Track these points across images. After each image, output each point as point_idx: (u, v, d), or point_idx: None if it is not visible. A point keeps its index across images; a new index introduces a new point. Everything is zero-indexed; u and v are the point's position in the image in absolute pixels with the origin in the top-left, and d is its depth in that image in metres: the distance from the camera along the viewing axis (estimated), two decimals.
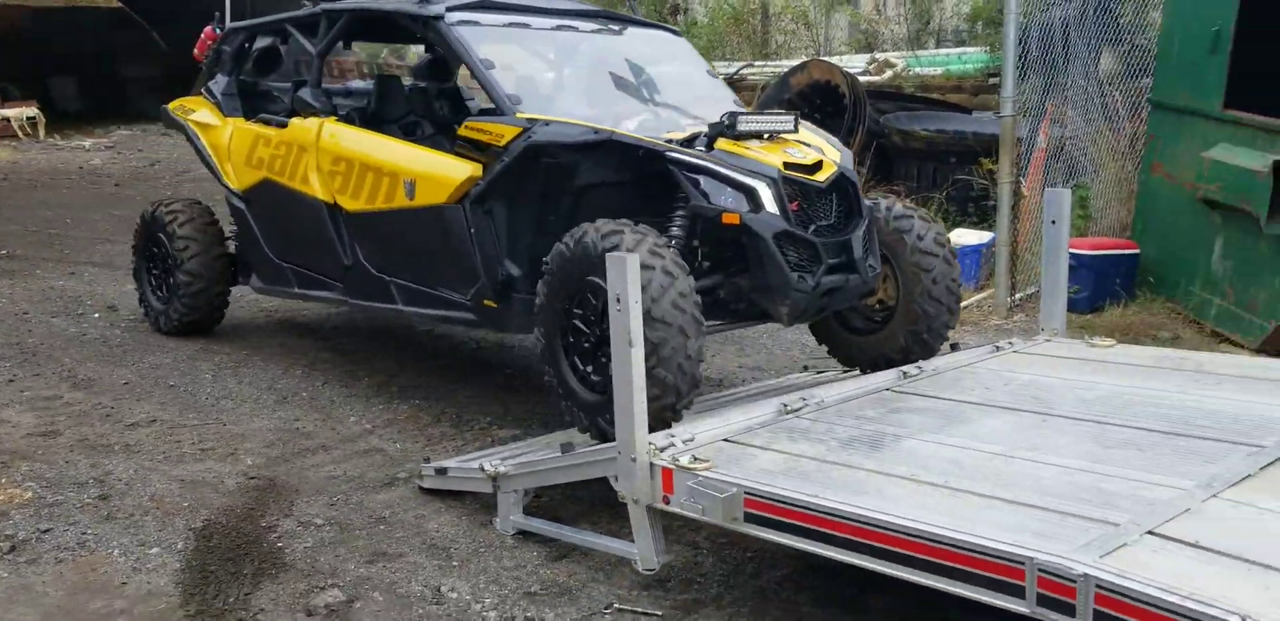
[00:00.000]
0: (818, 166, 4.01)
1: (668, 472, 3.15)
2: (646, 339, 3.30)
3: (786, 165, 3.93)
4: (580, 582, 3.45)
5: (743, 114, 4.04)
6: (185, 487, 4.25)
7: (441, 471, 4.08)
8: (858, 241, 4.02)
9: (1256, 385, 3.91)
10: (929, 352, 4.41)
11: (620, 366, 3.21)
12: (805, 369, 5.45)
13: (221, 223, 6.29)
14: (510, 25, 4.85)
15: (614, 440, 3.29)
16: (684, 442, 3.32)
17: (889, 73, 12.59)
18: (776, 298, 3.91)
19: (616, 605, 3.29)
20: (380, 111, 5.54)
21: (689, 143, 4.06)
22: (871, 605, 3.24)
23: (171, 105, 6.43)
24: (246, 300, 7.22)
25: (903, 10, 14.07)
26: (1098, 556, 2.39)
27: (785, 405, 3.72)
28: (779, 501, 2.91)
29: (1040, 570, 2.39)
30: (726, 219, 3.84)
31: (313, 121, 5.20)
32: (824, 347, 4.78)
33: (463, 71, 5.69)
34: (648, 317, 3.35)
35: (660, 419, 3.45)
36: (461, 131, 4.39)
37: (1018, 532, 2.55)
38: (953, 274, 4.37)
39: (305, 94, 5.25)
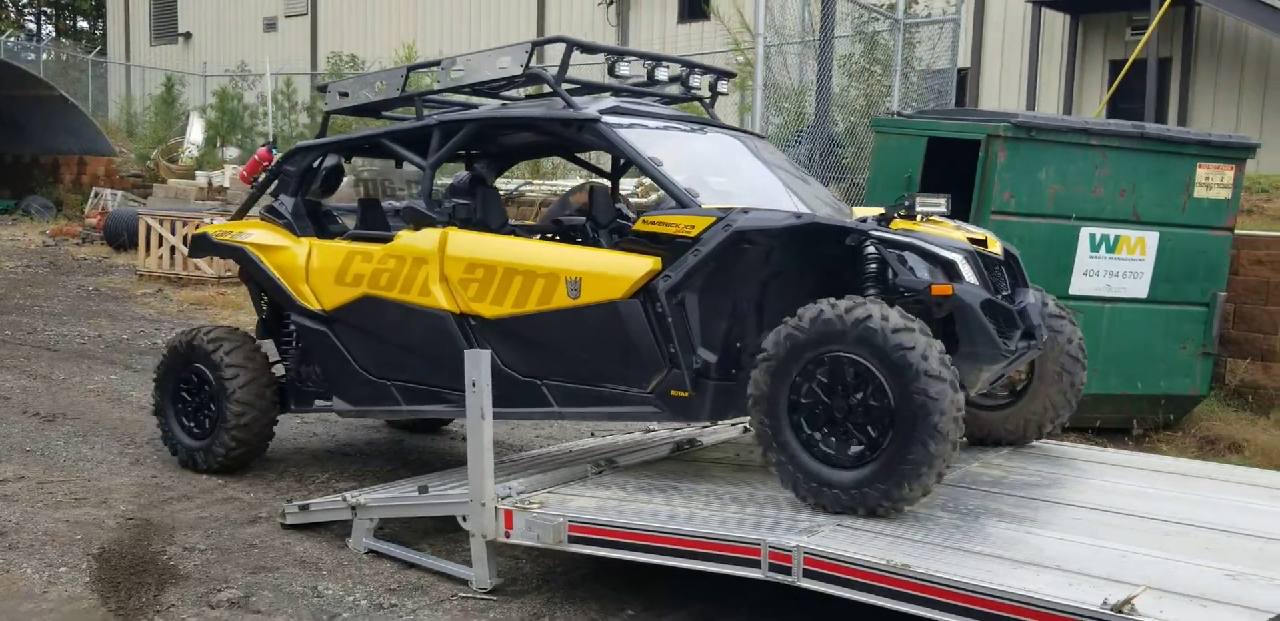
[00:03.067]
0: (984, 241, 4.36)
1: (509, 513, 4.25)
2: (924, 446, 3.61)
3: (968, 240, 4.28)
4: (429, 582, 4.44)
5: (916, 196, 4.37)
6: (72, 526, 4.95)
7: (304, 507, 4.98)
8: (1034, 310, 4.34)
9: None
10: (1036, 439, 4.97)
11: (474, 436, 4.27)
12: (592, 435, 6.62)
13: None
14: (634, 126, 4.88)
15: (877, 515, 3.82)
16: (518, 494, 4.41)
17: (654, 195, 14.28)
18: (983, 363, 4.08)
19: (460, 594, 4.29)
20: (485, 219, 5.32)
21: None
22: (652, 589, 4.37)
23: (211, 230, 6.13)
24: (71, 382, 7.80)
25: None
26: (806, 538, 3.63)
27: (590, 468, 4.85)
28: (594, 524, 4.05)
29: (770, 547, 3.61)
30: (937, 290, 3.99)
31: (430, 232, 5.07)
32: None
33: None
34: (934, 431, 3.61)
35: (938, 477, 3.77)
36: (638, 227, 4.49)
37: (755, 529, 3.79)
38: (1084, 378, 4.85)
39: (419, 206, 5.16)
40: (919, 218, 4.35)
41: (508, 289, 4.77)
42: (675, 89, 5.58)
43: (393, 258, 5.16)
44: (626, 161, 5.51)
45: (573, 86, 5.49)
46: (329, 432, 6.96)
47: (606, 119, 4.79)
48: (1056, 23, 16.93)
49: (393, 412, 5.47)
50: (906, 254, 4.09)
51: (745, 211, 4.24)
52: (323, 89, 5.98)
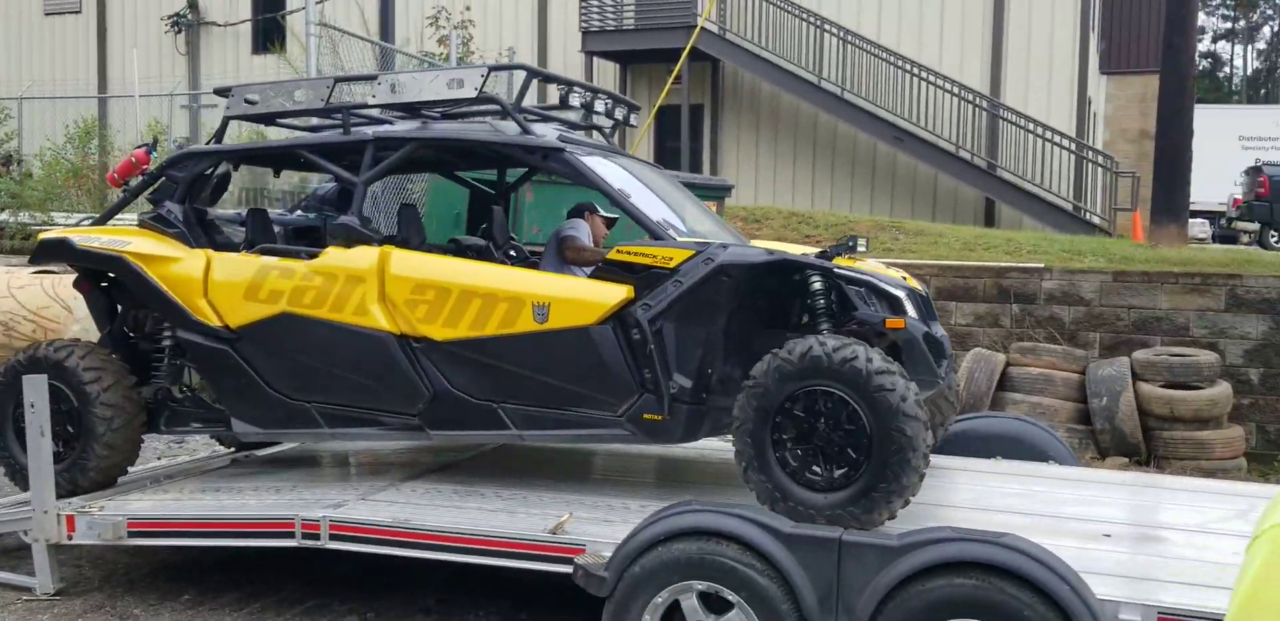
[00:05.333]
0: (904, 279, 4.68)
1: (70, 518, 4.75)
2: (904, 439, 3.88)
3: None
4: None
5: (857, 237, 4.59)
6: None
7: None
8: (946, 341, 4.67)
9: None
10: None
11: (34, 449, 4.72)
12: (159, 458, 7.05)
13: None
14: (577, 153, 4.85)
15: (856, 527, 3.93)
16: (80, 502, 4.89)
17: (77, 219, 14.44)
18: (923, 389, 4.31)
19: (25, 598, 4.72)
20: (406, 239, 5.12)
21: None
22: (206, 579, 5.00)
23: (72, 235, 5.38)
24: None
25: None
26: (332, 510, 4.45)
27: (151, 479, 5.40)
28: (151, 519, 4.68)
29: (302, 520, 4.41)
30: (891, 324, 4.29)
31: (366, 250, 4.87)
32: None
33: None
34: (907, 466, 3.89)
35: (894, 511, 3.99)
36: (611, 256, 4.54)
37: (291, 508, 4.56)
38: (954, 420, 5.36)
39: (351, 222, 4.93)
40: (847, 256, 4.62)
41: (463, 311, 4.70)
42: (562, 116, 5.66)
43: (320, 275, 4.91)
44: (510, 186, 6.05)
45: (491, 110, 5.42)
46: None
47: (569, 147, 4.85)
48: (609, 71, 18.92)
49: (312, 435, 5.20)
50: (866, 291, 4.43)
51: (724, 247, 4.46)
52: (223, 92, 5.51)
